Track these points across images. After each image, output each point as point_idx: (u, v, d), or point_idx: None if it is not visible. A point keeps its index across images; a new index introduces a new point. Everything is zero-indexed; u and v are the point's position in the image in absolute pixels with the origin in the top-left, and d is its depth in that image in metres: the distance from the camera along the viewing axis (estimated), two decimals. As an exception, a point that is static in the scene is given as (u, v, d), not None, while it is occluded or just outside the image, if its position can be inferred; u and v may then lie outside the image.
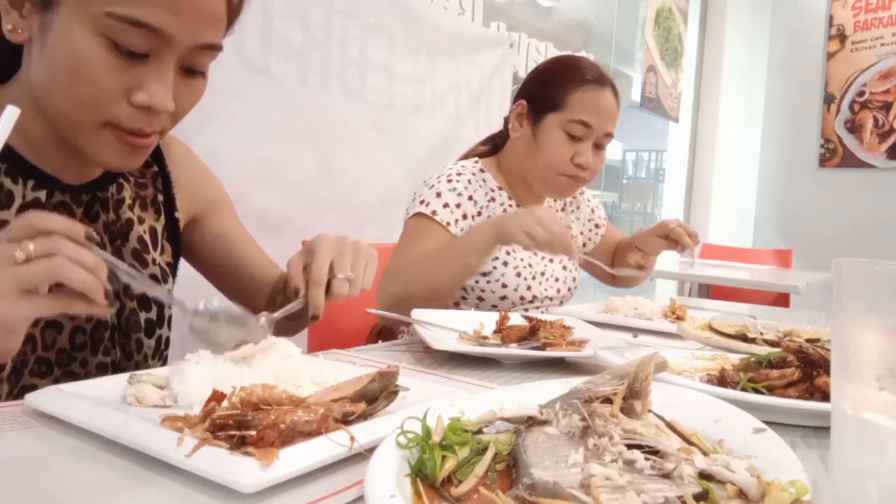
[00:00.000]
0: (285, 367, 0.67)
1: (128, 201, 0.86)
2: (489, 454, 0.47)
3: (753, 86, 5.02)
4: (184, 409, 0.56)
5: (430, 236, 1.31)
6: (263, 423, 0.48)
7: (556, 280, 1.51)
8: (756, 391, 0.71)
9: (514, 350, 0.94)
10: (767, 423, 0.53)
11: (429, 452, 0.44)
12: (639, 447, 0.45)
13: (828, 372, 0.66)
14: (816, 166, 4.87)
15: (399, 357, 0.95)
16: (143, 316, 0.85)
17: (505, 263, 1.40)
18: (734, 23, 4.80)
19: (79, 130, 0.69)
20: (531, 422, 0.51)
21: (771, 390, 0.71)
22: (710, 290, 3.16)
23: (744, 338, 1.00)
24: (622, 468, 0.42)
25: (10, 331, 0.55)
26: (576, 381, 0.58)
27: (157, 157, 0.91)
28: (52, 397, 0.58)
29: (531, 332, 1.01)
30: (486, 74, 2.77)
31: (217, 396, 0.54)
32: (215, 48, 0.71)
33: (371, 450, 0.46)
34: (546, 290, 1.47)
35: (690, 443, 0.47)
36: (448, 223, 1.32)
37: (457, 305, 1.43)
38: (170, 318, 0.90)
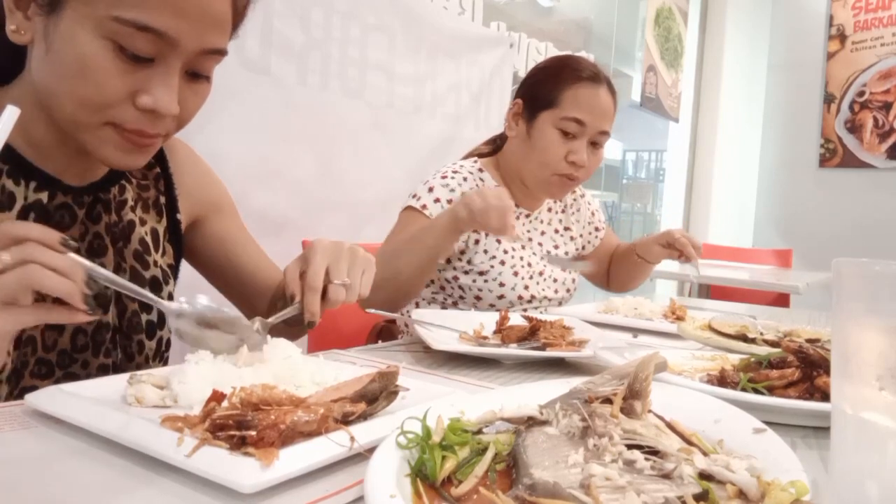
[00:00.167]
0: (285, 368, 0.67)
1: (130, 203, 0.85)
2: (489, 454, 0.47)
3: (753, 86, 5.02)
4: (184, 410, 0.56)
5: (413, 228, 1.29)
6: (263, 423, 0.48)
7: (555, 281, 1.50)
8: (756, 391, 0.71)
9: (514, 350, 0.94)
10: (767, 423, 0.53)
11: (429, 452, 0.44)
12: (639, 447, 0.45)
13: (828, 372, 0.66)
14: (816, 166, 4.88)
15: (399, 357, 0.95)
16: (144, 318, 0.85)
17: (502, 262, 1.39)
18: (734, 23, 4.80)
19: (82, 129, 0.69)
20: (531, 422, 0.51)
21: (771, 390, 0.71)
22: (710, 291, 3.16)
23: (744, 338, 1.00)
24: (622, 468, 0.42)
25: None
26: (576, 382, 0.58)
27: (160, 158, 0.91)
28: (52, 397, 0.58)
29: (531, 333, 1.01)
30: (486, 74, 2.77)
31: (217, 396, 0.54)
32: (221, 53, 0.71)
33: (371, 450, 0.46)
34: (544, 290, 1.47)
35: (690, 443, 0.47)
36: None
37: (455, 305, 1.43)
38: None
